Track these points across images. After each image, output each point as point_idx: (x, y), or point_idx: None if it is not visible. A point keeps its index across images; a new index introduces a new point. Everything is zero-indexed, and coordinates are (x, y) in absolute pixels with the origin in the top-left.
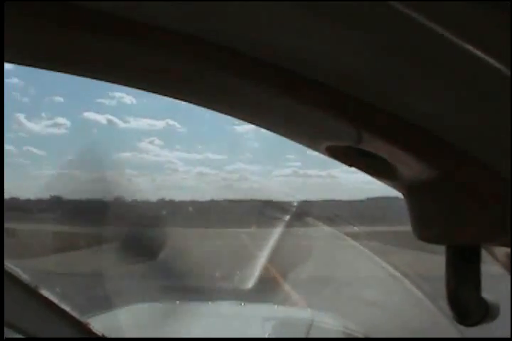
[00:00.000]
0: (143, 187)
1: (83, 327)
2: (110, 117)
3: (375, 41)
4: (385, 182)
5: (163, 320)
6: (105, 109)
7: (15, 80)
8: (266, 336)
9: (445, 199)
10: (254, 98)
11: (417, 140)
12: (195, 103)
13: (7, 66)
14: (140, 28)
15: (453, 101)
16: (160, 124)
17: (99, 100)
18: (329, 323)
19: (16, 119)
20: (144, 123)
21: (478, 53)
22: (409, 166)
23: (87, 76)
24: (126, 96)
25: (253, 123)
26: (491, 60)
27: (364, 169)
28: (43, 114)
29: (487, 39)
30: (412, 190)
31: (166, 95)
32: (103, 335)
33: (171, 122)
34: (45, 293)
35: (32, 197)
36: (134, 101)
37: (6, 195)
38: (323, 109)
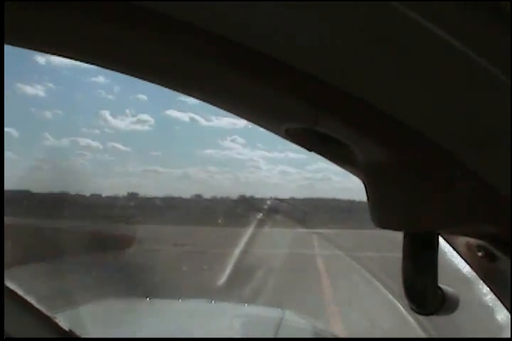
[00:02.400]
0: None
1: (50, 322)
2: (192, 115)
3: (331, 19)
4: (345, 168)
5: (131, 316)
6: (187, 107)
7: (100, 79)
8: (234, 334)
9: (404, 185)
10: (213, 78)
11: (376, 123)
12: (156, 83)
13: (93, 65)
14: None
15: (413, 84)
16: (241, 123)
17: (181, 98)
18: (298, 322)
19: (102, 116)
20: (225, 121)
21: (440, 32)
22: (368, 151)
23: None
24: None
25: (213, 105)
26: (453, 40)
27: (323, 154)
28: (127, 111)
29: (445, 15)
30: (371, 177)
31: (128, 74)
32: (70, 330)
33: None
34: (10, 285)
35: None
36: None
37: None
38: (280, 88)
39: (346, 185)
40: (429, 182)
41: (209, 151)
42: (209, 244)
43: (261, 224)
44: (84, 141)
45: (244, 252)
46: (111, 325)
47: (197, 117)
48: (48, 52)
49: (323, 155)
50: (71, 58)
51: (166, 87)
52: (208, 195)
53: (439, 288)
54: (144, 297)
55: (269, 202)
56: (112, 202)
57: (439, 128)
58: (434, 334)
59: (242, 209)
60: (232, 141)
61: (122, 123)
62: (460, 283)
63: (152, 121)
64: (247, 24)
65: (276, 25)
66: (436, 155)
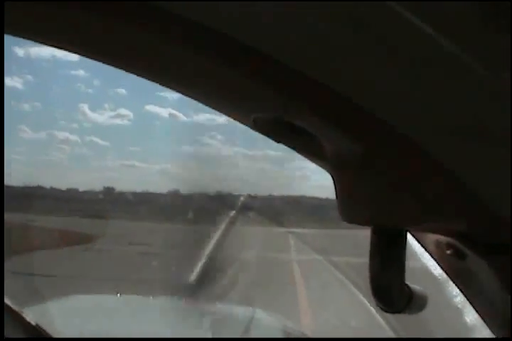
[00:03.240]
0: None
1: (16, 317)
2: (172, 111)
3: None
4: (313, 161)
5: (100, 312)
6: (167, 103)
7: (80, 72)
8: (203, 332)
9: (372, 179)
10: (178, 63)
11: (344, 113)
12: (123, 69)
13: (73, 58)
14: None
15: (381, 73)
16: (220, 120)
17: (161, 94)
18: (268, 321)
19: (80, 110)
20: (204, 118)
21: (411, 18)
22: (336, 142)
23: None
24: None
25: (181, 93)
26: (424, 26)
27: (292, 145)
28: (106, 105)
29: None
30: (339, 170)
31: (87, 56)
32: (37, 325)
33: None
34: None
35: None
36: None
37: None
38: (247, 75)
39: (324, 183)
40: (398, 177)
41: (188, 147)
42: (169, 244)
43: (234, 222)
44: (62, 135)
45: (208, 256)
46: (79, 321)
47: (176, 113)
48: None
49: (292, 147)
50: (52, 45)
51: (133, 72)
52: (185, 190)
53: (407, 285)
54: (114, 293)
55: (245, 199)
56: (87, 196)
57: (407, 118)
58: (403, 334)
59: (217, 206)
60: (211, 137)
61: (101, 117)
62: (430, 283)
63: (131, 115)
64: (214, 6)
65: (244, 8)
66: (405, 149)
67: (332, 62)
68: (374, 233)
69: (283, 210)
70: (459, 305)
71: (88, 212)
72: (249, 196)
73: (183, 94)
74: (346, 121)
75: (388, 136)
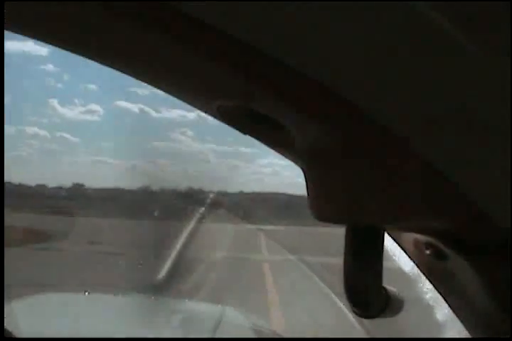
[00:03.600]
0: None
1: None
2: (142, 106)
3: None
4: (284, 155)
5: (67, 311)
6: (137, 98)
7: (50, 67)
8: (172, 330)
9: (346, 173)
10: (133, 43)
11: (315, 100)
12: (72, 51)
13: (43, 52)
14: None
15: (355, 54)
16: (191, 116)
17: (131, 89)
18: (238, 319)
19: (50, 105)
20: (175, 114)
21: None
22: (307, 133)
23: None
24: None
25: (140, 79)
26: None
27: (260, 138)
28: (76, 101)
29: None
30: (310, 163)
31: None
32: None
33: (203, 114)
34: None
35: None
36: None
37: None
38: (212, 58)
39: (295, 180)
40: (374, 171)
41: (159, 143)
42: (134, 243)
43: (204, 218)
44: (31, 130)
45: (174, 256)
46: (47, 320)
47: (147, 109)
48: None
49: (261, 140)
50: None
51: (82, 54)
52: (155, 187)
53: (384, 288)
54: (82, 291)
55: (215, 196)
56: (55, 192)
57: (383, 104)
58: (374, 332)
59: (187, 202)
60: (182, 133)
61: (71, 112)
62: (400, 281)
63: (101, 111)
64: None
65: None
66: (383, 141)
67: (298, 42)
68: (348, 231)
69: (254, 207)
70: (430, 302)
71: (54, 209)
72: (220, 193)
73: (139, 79)
74: (319, 110)
75: (366, 128)
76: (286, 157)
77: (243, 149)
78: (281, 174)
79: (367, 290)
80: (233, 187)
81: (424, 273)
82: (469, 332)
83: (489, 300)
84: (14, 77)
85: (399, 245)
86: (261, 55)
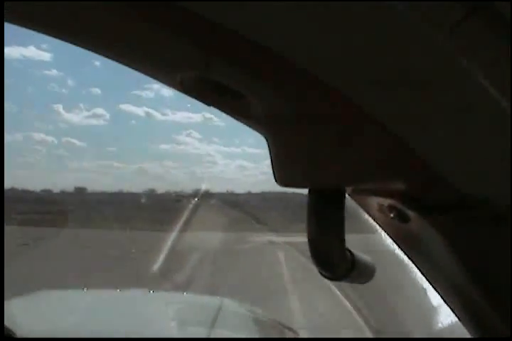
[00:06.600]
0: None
1: None
2: (147, 109)
3: None
4: (247, 125)
5: (67, 307)
6: (142, 101)
7: (53, 72)
8: (171, 321)
9: (307, 136)
10: (88, 17)
11: (271, 68)
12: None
13: (45, 57)
14: None
15: (316, 23)
16: (197, 117)
17: (136, 92)
18: (237, 309)
19: (55, 110)
20: (180, 116)
21: None
22: (266, 100)
23: None
24: (162, 88)
25: (102, 54)
26: None
27: (223, 108)
28: (81, 105)
29: None
30: (271, 130)
31: None
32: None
33: (208, 115)
34: None
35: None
36: (171, 93)
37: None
38: (168, 28)
39: None
40: (332, 134)
41: (165, 146)
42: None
43: (207, 224)
44: (38, 136)
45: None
46: (47, 317)
47: (152, 111)
48: None
49: (223, 110)
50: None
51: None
52: (161, 190)
53: (349, 251)
54: (80, 288)
55: (223, 197)
56: (59, 197)
57: (336, 70)
58: (366, 313)
59: (193, 205)
60: (188, 135)
61: (77, 117)
62: (395, 265)
63: (107, 115)
64: None
65: None
66: (337, 103)
67: (251, 10)
68: (311, 194)
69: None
70: (424, 285)
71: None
72: (228, 193)
73: (101, 54)
74: (276, 77)
75: (322, 93)
76: (249, 126)
77: (250, 150)
78: None
79: (330, 252)
80: (242, 188)
81: (391, 237)
82: (440, 294)
83: (452, 258)
84: (17, 83)
85: (365, 210)
86: (219, 27)
